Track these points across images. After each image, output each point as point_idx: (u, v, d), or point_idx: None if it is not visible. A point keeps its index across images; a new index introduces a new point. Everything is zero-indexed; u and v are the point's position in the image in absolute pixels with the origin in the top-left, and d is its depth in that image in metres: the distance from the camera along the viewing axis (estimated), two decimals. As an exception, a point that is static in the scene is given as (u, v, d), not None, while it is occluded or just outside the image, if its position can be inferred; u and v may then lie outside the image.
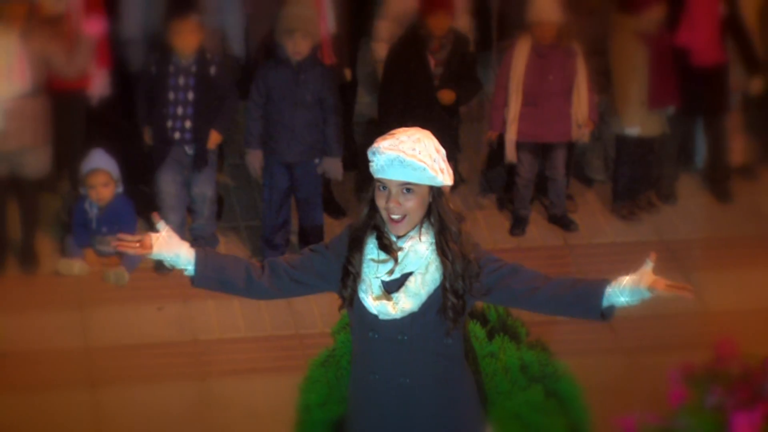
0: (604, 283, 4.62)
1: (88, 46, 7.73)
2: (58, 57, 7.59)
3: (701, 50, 8.15)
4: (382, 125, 7.47)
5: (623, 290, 4.61)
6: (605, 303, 4.62)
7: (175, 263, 4.65)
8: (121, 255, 7.74)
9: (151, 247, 4.59)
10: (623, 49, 8.03)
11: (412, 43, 7.77)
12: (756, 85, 8.31)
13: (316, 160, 7.73)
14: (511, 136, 7.90)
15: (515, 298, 4.70)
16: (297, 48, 7.54)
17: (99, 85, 7.93)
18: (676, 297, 4.56)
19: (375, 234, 4.65)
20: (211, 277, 4.70)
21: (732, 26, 8.21)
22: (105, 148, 7.75)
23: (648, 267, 4.59)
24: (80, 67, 7.68)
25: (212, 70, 7.58)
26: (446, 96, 7.80)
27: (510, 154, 7.94)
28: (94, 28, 7.74)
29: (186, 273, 4.69)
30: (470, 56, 7.91)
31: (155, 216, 4.67)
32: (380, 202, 4.60)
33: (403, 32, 7.86)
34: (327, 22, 8.00)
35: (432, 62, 7.79)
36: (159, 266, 7.79)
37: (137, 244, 4.59)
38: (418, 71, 7.75)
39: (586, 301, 4.66)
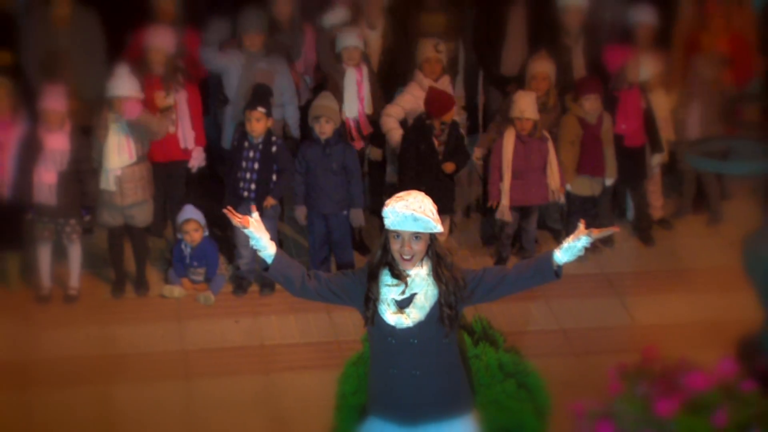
0: (550, 252, 4.69)
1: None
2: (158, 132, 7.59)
3: (630, 135, 8.13)
4: (402, 189, 7.50)
5: (567, 248, 4.66)
6: (557, 263, 4.66)
7: (257, 243, 4.69)
8: (208, 282, 7.75)
9: (248, 224, 4.65)
10: (566, 127, 7.99)
11: (421, 130, 7.76)
12: (656, 159, 8.28)
13: (345, 212, 7.72)
14: (505, 203, 7.85)
15: (492, 289, 4.74)
16: (322, 129, 7.56)
17: (197, 158, 7.95)
18: (609, 234, 4.68)
19: (387, 267, 4.70)
20: (280, 271, 4.72)
21: (646, 119, 8.21)
22: (194, 203, 7.77)
23: (581, 226, 4.66)
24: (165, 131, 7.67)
25: (274, 149, 7.57)
26: (449, 167, 7.77)
27: (506, 215, 7.88)
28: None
29: (261, 254, 4.71)
30: (461, 136, 7.88)
31: (252, 207, 4.76)
32: (395, 247, 4.66)
33: (414, 122, 7.85)
34: (364, 103, 8.02)
35: (436, 143, 7.77)
36: (236, 290, 7.78)
37: (239, 220, 4.65)
38: (427, 150, 7.73)
39: (542, 270, 4.71)
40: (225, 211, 4.75)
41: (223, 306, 7.66)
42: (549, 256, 4.70)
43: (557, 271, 4.69)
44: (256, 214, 4.71)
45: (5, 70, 7.68)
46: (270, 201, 7.55)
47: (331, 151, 7.56)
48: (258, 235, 4.69)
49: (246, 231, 4.68)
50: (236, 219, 4.68)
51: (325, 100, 7.63)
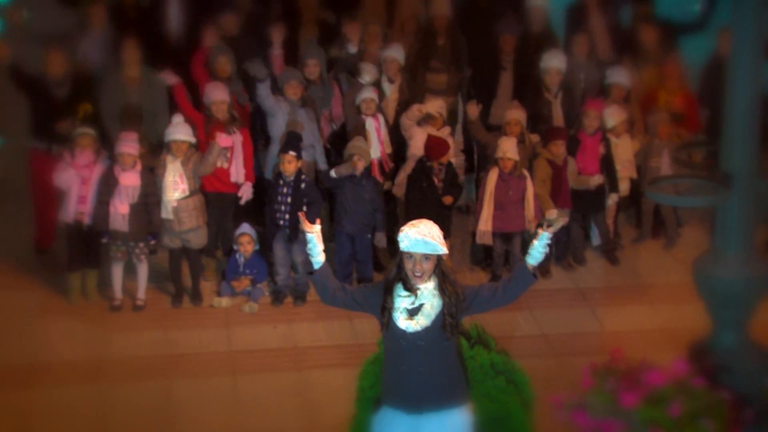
0: (523, 261, 4.73)
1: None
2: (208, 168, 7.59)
3: (587, 174, 8.07)
4: (409, 219, 7.49)
5: (534, 251, 4.70)
6: (531, 265, 4.70)
7: (313, 249, 4.74)
8: (255, 285, 7.72)
9: (311, 231, 4.71)
10: (538, 168, 7.98)
11: (422, 170, 7.80)
12: (612, 198, 8.23)
13: (369, 235, 7.71)
14: (486, 229, 7.83)
15: (488, 301, 4.76)
16: (355, 166, 7.58)
17: (246, 192, 7.95)
18: (561, 225, 4.79)
19: (400, 282, 4.72)
20: (322, 277, 4.76)
21: (605, 161, 8.16)
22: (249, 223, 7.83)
23: (539, 231, 4.72)
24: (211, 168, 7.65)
25: (303, 185, 7.59)
26: (448, 200, 7.78)
27: (487, 239, 7.88)
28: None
29: (312, 260, 4.75)
30: (456, 174, 7.90)
31: (318, 221, 4.81)
32: (408, 266, 4.67)
33: (416, 164, 7.88)
34: (384, 144, 8.03)
35: (436, 180, 7.78)
36: (274, 301, 7.76)
37: (308, 225, 4.72)
38: (428, 187, 7.75)
39: (522, 277, 4.74)
40: (300, 213, 4.85)
41: (263, 314, 7.64)
42: (523, 264, 4.74)
43: (534, 273, 4.71)
44: (318, 226, 4.74)
45: (88, 121, 7.73)
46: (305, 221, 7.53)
47: (366, 183, 7.60)
48: (317, 242, 4.73)
49: (308, 236, 4.72)
50: (306, 225, 4.71)
51: (358, 142, 7.71)
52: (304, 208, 7.57)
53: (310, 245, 4.73)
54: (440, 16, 8.65)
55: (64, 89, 7.90)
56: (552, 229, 4.70)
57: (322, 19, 8.93)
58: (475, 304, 4.75)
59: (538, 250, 4.70)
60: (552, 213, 4.85)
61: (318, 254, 4.73)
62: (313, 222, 4.55)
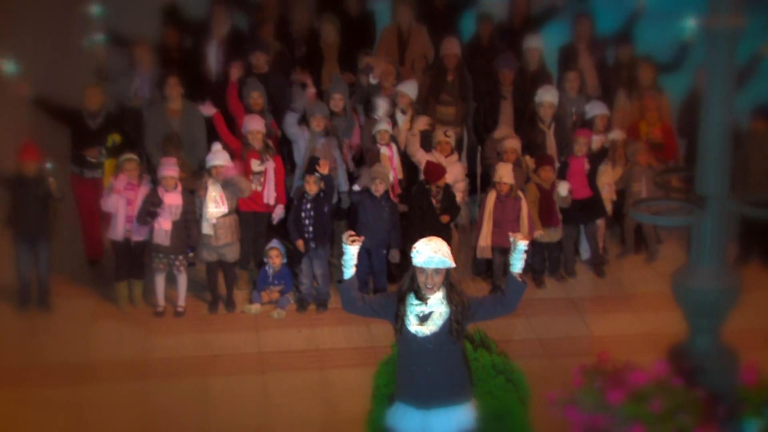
0: (510, 273, 4.80)
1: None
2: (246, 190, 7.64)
3: (576, 190, 8.11)
4: (412, 239, 7.48)
5: (513, 260, 4.77)
6: (516, 272, 4.77)
7: (347, 261, 4.79)
8: (277, 302, 7.76)
9: (352, 245, 4.76)
10: (528, 191, 8.00)
11: (422, 192, 7.83)
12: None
13: (384, 251, 7.73)
14: (485, 244, 7.87)
15: (491, 310, 4.81)
16: (376, 188, 7.65)
17: (278, 212, 7.98)
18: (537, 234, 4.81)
19: (413, 292, 4.75)
20: (348, 287, 4.80)
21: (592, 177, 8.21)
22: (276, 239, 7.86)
23: (515, 243, 4.75)
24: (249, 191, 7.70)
25: (321, 194, 7.64)
26: (445, 219, 7.80)
27: (485, 253, 7.90)
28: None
29: (344, 270, 4.80)
30: (453, 195, 7.89)
31: (360, 238, 4.84)
32: (421, 279, 4.70)
33: (416, 187, 7.92)
34: (397, 171, 8.07)
35: (434, 201, 7.80)
36: (299, 308, 7.78)
37: (351, 242, 4.76)
38: (427, 207, 7.78)
39: (513, 285, 4.80)
40: (348, 230, 4.87)
41: (289, 320, 7.66)
42: (511, 274, 4.81)
43: (522, 279, 4.79)
44: (359, 243, 4.80)
45: (116, 150, 7.80)
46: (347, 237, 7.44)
47: (385, 204, 7.64)
48: (353, 256, 4.77)
49: (347, 248, 4.77)
50: (348, 240, 4.77)
51: (380, 167, 7.77)
52: (326, 209, 7.60)
53: (346, 257, 4.79)
54: (450, 55, 8.70)
55: (97, 121, 7.97)
56: (523, 237, 4.75)
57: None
58: (479, 312, 4.78)
59: (516, 258, 4.76)
60: (537, 234, 4.90)
61: (350, 267, 4.79)
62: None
